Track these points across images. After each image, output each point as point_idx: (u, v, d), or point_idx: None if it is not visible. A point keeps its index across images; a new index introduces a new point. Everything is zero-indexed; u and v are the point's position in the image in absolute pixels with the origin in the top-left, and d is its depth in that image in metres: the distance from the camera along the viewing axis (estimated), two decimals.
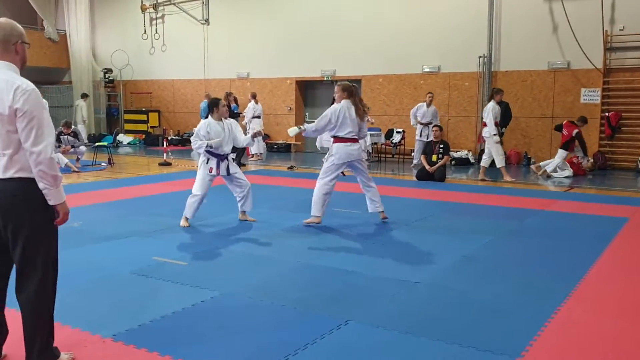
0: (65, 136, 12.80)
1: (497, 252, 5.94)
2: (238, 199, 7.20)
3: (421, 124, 13.45)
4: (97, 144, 14.58)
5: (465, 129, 14.79)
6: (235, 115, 14.75)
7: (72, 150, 12.82)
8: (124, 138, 19.86)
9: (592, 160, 12.67)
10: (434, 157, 11.23)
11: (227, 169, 7.00)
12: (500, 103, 13.22)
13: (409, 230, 6.86)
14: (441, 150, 11.25)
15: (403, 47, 15.40)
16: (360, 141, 7.06)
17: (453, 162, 13.83)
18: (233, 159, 12.66)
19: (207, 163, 6.96)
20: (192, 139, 7.08)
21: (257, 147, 15.28)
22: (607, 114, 13.03)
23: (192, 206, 6.94)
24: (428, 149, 11.49)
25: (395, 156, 15.27)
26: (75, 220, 7.16)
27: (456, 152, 14.25)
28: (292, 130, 7.14)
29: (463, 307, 4.27)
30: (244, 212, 7.29)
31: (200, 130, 6.90)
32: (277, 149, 17.22)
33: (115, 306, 4.24)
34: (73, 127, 13.23)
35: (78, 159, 12.98)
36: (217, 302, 4.35)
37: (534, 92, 13.85)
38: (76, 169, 12.18)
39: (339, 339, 3.68)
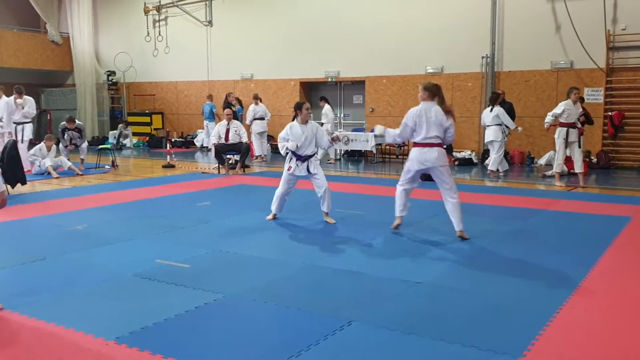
0: (70, 131, 12.93)
1: (500, 251, 5.94)
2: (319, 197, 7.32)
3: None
4: (100, 146, 14.61)
5: (469, 130, 14.77)
6: (238, 117, 14.78)
7: (73, 148, 12.93)
8: (127, 140, 19.92)
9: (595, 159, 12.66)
10: None
11: (307, 169, 7.19)
12: (504, 103, 13.22)
13: (412, 230, 6.85)
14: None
15: (406, 48, 15.39)
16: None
17: (456, 163, 13.84)
18: (236, 161, 12.77)
19: (289, 162, 7.26)
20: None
21: (262, 149, 15.28)
22: (610, 114, 13.01)
23: (274, 202, 7.34)
24: None
25: (399, 157, 15.26)
26: (79, 223, 7.21)
27: (459, 152, 14.25)
28: (379, 129, 7.00)
29: (466, 307, 4.28)
30: (325, 213, 7.33)
31: (282, 132, 7.27)
32: None
33: (118, 309, 4.25)
34: (77, 122, 13.38)
35: (82, 161, 13.04)
36: (220, 304, 4.37)
37: (537, 91, 13.84)
38: (80, 172, 12.21)
39: (342, 340, 3.69)
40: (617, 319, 4.06)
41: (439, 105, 6.36)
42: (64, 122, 13.13)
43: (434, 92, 6.42)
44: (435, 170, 6.35)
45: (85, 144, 13.41)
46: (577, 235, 6.66)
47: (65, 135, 13.02)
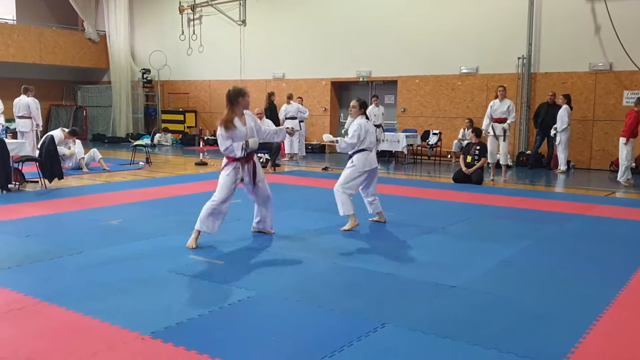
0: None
1: (536, 256, 5.83)
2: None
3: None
4: (135, 143, 14.78)
5: None
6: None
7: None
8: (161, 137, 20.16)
9: None
10: (469, 159, 11.09)
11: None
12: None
13: (445, 234, 6.78)
14: (477, 152, 11.10)
15: (440, 48, 15.26)
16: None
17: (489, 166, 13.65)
18: (267, 159, 12.81)
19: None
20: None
21: (292, 148, 15.31)
22: None
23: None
24: (465, 150, 11.36)
25: (431, 158, 15.14)
26: (114, 218, 7.30)
27: None
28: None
29: (502, 312, 4.20)
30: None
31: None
32: (311, 150, 17.23)
33: (154, 304, 4.28)
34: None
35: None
36: (253, 301, 4.37)
37: (575, 94, 13.55)
38: (107, 168, 12.31)
39: (375, 342, 3.65)
40: None
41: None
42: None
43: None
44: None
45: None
46: (616, 241, 6.50)
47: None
